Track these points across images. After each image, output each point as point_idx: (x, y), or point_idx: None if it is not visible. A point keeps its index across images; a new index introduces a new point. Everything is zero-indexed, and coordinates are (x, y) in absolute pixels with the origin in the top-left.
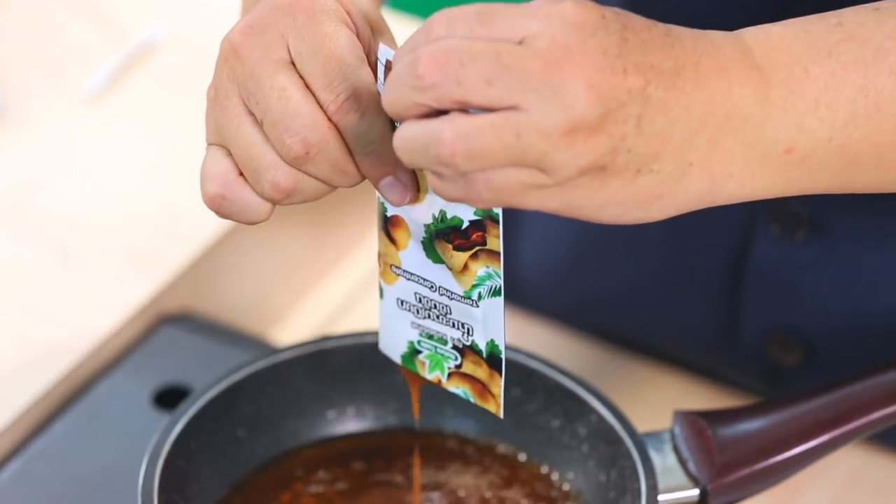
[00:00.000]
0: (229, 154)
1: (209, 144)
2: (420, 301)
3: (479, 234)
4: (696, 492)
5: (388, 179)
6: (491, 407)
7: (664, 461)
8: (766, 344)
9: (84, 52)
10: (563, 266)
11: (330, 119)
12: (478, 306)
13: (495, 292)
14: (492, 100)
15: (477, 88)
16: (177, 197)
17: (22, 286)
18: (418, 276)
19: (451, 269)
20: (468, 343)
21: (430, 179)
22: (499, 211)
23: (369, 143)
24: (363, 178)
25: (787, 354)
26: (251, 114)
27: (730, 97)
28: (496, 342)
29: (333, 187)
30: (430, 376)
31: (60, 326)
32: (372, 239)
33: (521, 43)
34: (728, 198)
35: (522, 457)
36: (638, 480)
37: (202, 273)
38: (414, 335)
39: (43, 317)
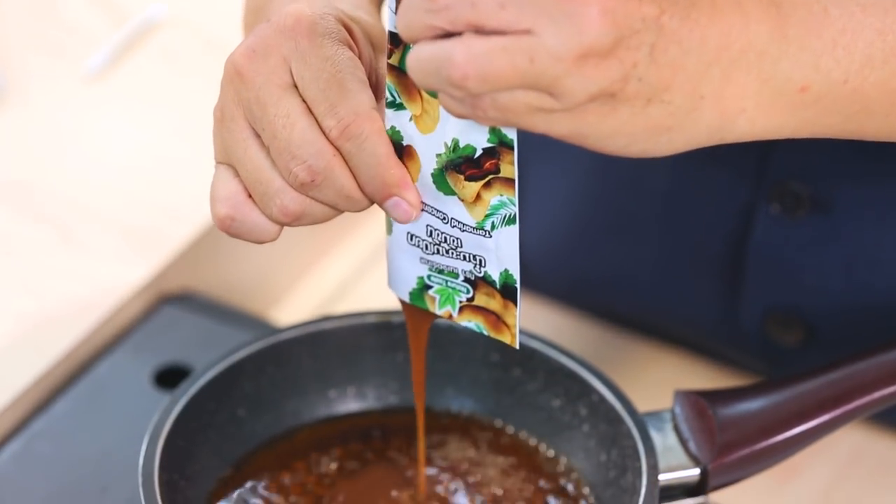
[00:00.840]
0: (238, 175)
1: (217, 163)
2: (431, 235)
3: (493, 161)
4: (696, 471)
5: (392, 200)
6: (505, 338)
7: (665, 441)
8: (767, 323)
9: (84, 31)
10: (564, 246)
11: (333, 145)
12: (491, 236)
13: (509, 221)
14: (505, 23)
15: (490, 11)
16: (177, 176)
17: (22, 266)
18: (431, 207)
19: (462, 200)
20: (481, 275)
21: (440, 96)
22: (513, 136)
23: (372, 167)
24: (370, 202)
25: (788, 334)
26: (258, 136)
27: (746, 32)
28: (510, 272)
29: (341, 211)
30: (441, 311)
31: (61, 306)
32: (373, 218)
33: None
34: (739, 135)
35: (523, 436)
36: (639, 460)
37: (203, 253)
38: (423, 270)
39: (43, 296)
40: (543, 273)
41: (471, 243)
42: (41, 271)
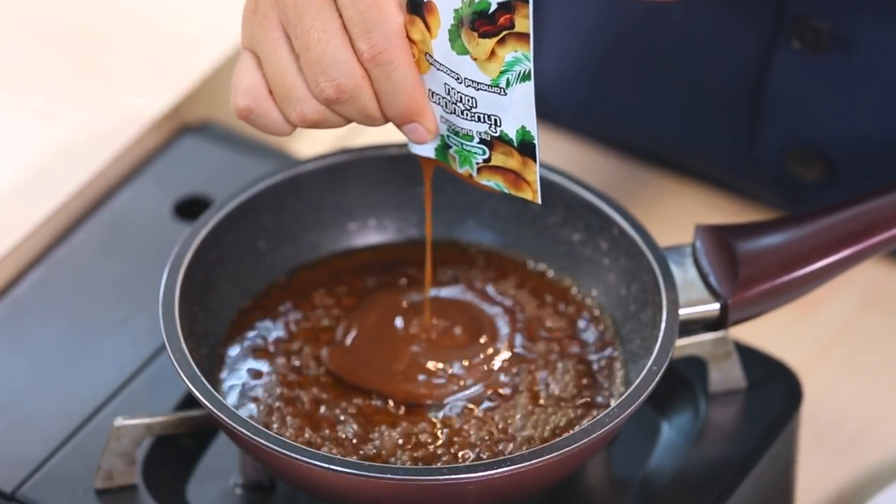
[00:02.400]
0: (262, 67)
1: (244, 48)
2: (448, 93)
3: (507, 16)
4: (716, 306)
5: (411, 125)
6: (527, 194)
7: (685, 275)
8: (787, 159)
9: None
10: (584, 79)
11: (363, 66)
12: (506, 94)
13: (524, 77)
14: None
15: None
16: (198, 5)
17: (44, 95)
18: (446, 67)
19: (475, 58)
20: (496, 134)
21: None
22: None
23: (398, 94)
24: (387, 121)
25: (808, 169)
26: (289, 39)
27: None
28: (527, 128)
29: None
30: (461, 171)
31: (81, 136)
32: None
33: None
34: None
35: (544, 269)
36: (659, 294)
37: (224, 82)
38: (444, 129)
39: (64, 126)
40: (563, 105)
41: (486, 102)
42: (62, 101)
